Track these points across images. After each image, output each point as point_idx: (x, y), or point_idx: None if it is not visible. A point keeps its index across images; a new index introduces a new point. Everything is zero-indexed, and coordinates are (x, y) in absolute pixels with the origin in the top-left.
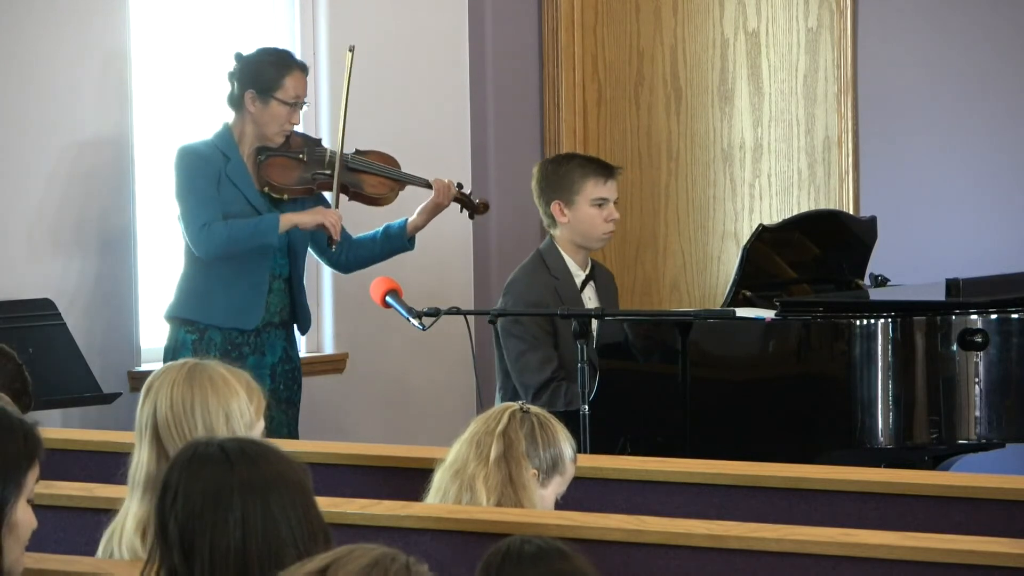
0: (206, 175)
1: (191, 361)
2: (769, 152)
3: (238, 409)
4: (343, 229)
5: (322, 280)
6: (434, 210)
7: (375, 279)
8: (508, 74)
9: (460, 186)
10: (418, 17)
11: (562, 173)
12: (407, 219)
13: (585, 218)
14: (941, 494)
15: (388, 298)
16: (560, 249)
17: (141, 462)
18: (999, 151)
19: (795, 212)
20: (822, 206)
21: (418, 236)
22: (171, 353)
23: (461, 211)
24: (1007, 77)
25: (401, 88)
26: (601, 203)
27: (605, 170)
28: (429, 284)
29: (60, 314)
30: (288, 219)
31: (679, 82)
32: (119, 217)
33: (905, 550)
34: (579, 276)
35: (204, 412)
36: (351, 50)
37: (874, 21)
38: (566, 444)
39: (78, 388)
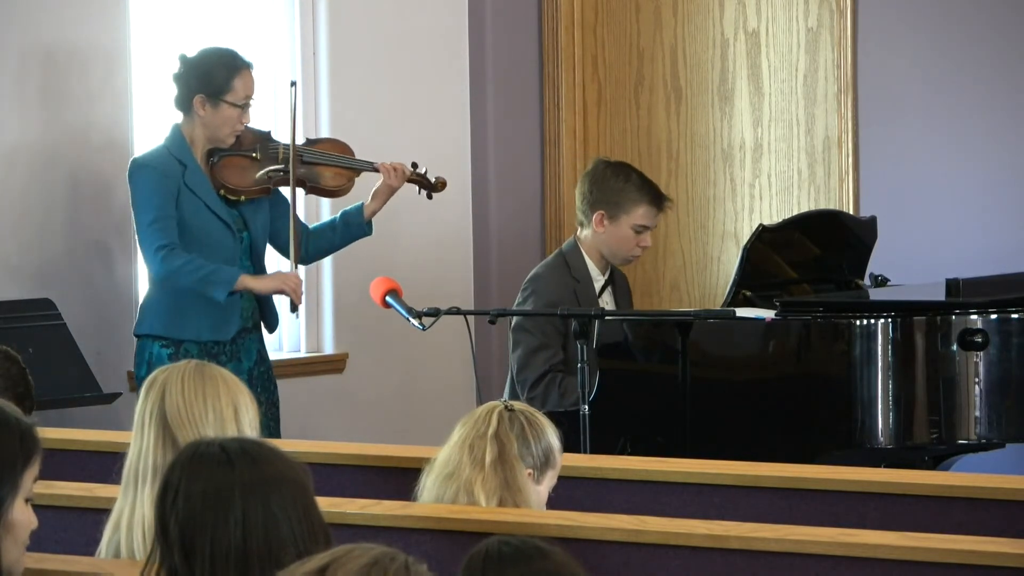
0: (164, 191)
1: (195, 360)
2: (769, 152)
3: (244, 405)
4: (299, 220)
5: (322, 280)
6: (387, 192)
7: (375, 279)
8: (508, 74)
9: (415, 166)
10: (418, 17)
11: (619, 187)
12: (363, 204)
13: (621, 238)
14: (941, 494)
15: (388, 298)
16: (583, 252)
17: (146, 452)
18: (999, 151)
19: (795, 212)
20: (822, 206)
21: (418, 236)
22: (147, 369)
23: (419, 192)
24: (1007, 77)
25: (401, 88)
26: (641, 230)
27: (660, 201)
28: (429, 284)
29: (60, 314)
30: (244, 282)
31: (679, 82)
32: (119, 217)
33: (905, 550)
34: (599, 281)
35: (215, 402)
36: (292, 85)
37: (874, 21)
38: (553, 436)
39: (78, 388)
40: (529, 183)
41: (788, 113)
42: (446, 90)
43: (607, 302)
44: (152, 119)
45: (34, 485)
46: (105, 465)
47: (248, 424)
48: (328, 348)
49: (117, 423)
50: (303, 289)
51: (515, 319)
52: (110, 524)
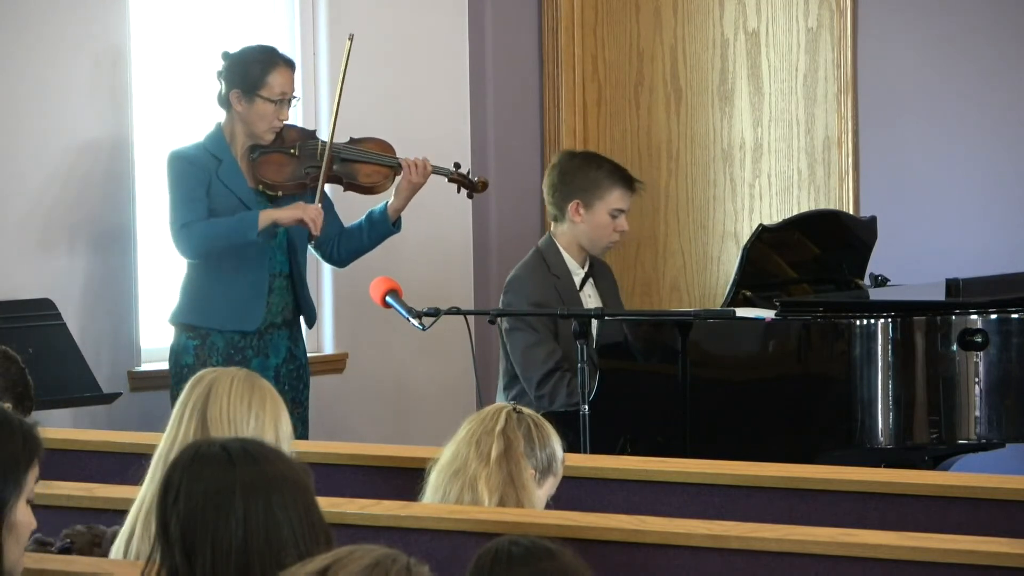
0: (194, 178)
1: (246, 369)
2: (769, 152)
3: (285, 422)
4: (338, 221)
5: (322, 280)
6: (409, 189)
7: (375, 279)
8: (508, 74)
9: (457, 166)
10: (418, 17)
11: (590, 175)
12: (387, 203)
13: (599, 224)
14: (941, 494)
15: (388, 298)
16: (560, 247)
17: (181, 444)
18: (999, 151)
19: (795, 212)
20: (822, 206)
21: (419, 236)
22: (174, 358)
23: (459, 191)
24: (1007, 76)
25: (401, 88)
26: (617, 214)
27: (632, 184)
28: (429, 284)
29: (60, 314)
30: (267, 215)
31: (679, 82)
32: (119, 217)
33: (905, 550)
34: (578, 275)
35: (260, 412)
36: (350, 39)
37: (874, 21)
38: (558, 445)
39: (78, 388)
40: (529, 183)
41: (788, 113)
42: (446, 90)
43: (589, 295)
44: (152, 119)
45: (35, 486)
46: (105, 465)
47: (286, 440)
48: (328, 348)
49: (117, 423)
50: (322, 222)
51: (504, 322)
52: (133, 508)
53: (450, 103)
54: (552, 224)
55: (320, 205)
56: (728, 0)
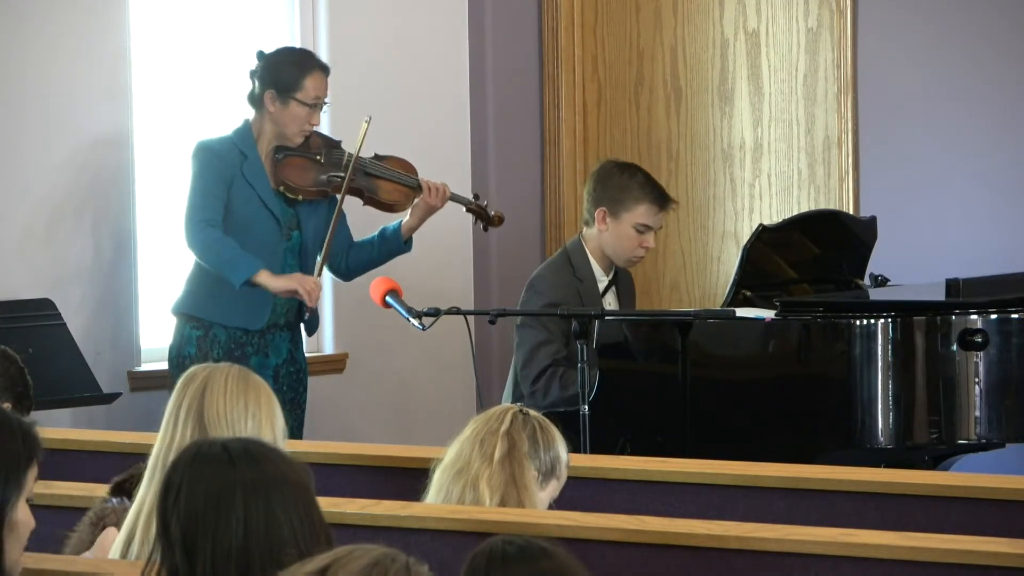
0: (218, 172)
1: (237, 365)
2: (769, 152)
3: (279, 418)
4: (348, 234)
5: (322, 281)
6: (425, 210)
7: (375, 279)
8: (508, 74)
9: (477, 197)
10: (418, 17)
11: (621, 184)
12: (401, 221)
13: (622, 236)
14: (941, 494)
15: (388, 298)
16: (587, 251)
17: (179, 447)
18: (999, 151)
19: (795, 212)
20: (822, 206)
21: (418, 236)
22: (176, 348)
23: (475, 222)
24: (1007, 77)
25: (401, 89)
26: (643, 230)
27: (663, 201)
28: (429, 284)
29: (60, 314)
30: (263, 278)
31: (679, 82)
32: (119, 217)
33: (905, 550)
34: (603, 281)
35: (256, 410)
36: (367, 121)
37: (874, 21)
38: (563, 449)
39: (78, 388)
40: (529, 183)
41: (788, 113)
42: (446, 90)
43: (610, 303)
44: (152, 119)
45: (34, 485)
46: (105, 465)
47: (280, 439)
48: (328, 348)
49: (117, 423)
50: (320, 295)
51: (520, 318)
52: (132, 512)
53: (450, 104)
54: (583, 227)
55: (319, 279)
56: (728, 0)
